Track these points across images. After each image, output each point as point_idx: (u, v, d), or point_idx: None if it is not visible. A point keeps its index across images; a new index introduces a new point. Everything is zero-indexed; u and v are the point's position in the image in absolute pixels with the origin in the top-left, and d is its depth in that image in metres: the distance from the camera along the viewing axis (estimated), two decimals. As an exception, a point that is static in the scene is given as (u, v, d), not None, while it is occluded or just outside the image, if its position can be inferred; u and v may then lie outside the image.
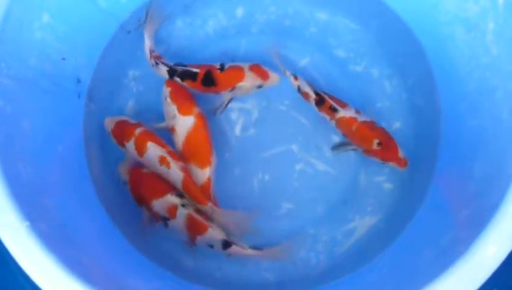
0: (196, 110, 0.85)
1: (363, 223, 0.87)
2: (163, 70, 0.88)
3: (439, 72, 0.88)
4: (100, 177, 0.85)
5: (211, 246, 0.79)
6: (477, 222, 0.61)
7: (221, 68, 0.87)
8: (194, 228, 0.78)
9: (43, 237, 0.60)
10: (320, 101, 0.87)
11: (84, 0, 0.83)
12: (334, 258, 0.86)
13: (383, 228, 0.86)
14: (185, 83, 0.87)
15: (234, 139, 0.91)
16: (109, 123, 0.85)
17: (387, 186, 0.88)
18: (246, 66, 0.89)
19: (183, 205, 0.79)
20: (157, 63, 0.88)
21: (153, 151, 0.81)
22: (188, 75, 0.87)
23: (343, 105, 0.87)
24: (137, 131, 0.83)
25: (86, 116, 0.86)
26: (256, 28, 0.96)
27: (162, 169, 0.81)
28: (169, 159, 0.80)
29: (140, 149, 0.82)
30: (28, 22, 0.75)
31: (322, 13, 0.97)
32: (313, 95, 0.87)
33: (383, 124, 0.92)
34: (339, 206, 0.88)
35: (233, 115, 0.92)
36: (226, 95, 0.90)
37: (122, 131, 0.84)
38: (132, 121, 0.85)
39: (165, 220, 0.80)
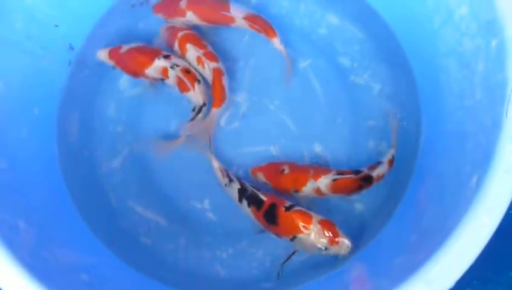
0: None
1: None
2: (234, 189, 0.82)
3: (426, 106, 0.83)
4: (71, 146, 0.87)
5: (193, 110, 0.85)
6: (402, 274, 0.59)
7: (289, 207, 0.77)
8: (182, 86, 0.85)
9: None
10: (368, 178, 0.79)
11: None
12: (291, 265, 0.84)
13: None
14: (250, 209, 0.81)
15: (217, 130, 0.89)
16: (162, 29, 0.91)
17: (358, 207, 0.86)
18: (316, 217, 0.76)
19: (171, 67, 0.85)
20: (231, 181, 0.83)
21: (192, 52, 0.87)
22: (254, 201, 0.80)
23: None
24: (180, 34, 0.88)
25: (71, 82, 0.88)
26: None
27: (199, 68, 0.87)
28: (204, 59, 0.86)
29: (182, 50, 0.88)
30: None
31: (333, 17, 0.93)
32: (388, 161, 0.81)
33: (371, 144, 0.88)
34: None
35: (222, 106, 0.91)
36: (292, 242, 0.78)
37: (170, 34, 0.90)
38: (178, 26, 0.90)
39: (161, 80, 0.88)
